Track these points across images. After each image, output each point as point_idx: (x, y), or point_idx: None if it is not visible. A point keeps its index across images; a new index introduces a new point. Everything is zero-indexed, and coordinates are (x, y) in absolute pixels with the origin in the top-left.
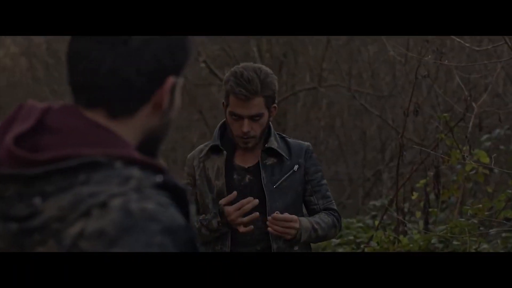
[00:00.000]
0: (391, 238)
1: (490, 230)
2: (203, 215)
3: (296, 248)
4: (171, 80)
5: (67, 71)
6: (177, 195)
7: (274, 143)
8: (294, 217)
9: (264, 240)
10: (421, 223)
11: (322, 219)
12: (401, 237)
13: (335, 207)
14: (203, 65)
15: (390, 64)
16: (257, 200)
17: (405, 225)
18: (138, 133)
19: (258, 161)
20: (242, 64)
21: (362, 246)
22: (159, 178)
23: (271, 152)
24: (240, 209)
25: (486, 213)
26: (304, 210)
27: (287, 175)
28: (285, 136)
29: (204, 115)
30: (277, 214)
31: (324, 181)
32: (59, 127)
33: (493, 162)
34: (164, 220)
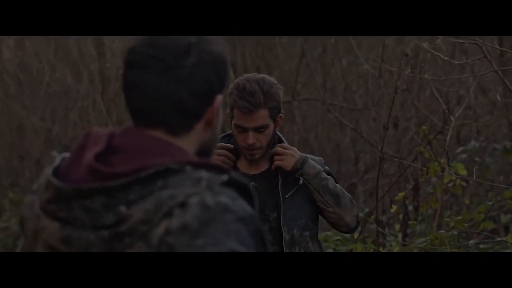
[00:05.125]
0: (371, 250)
1: (469, 242)
2: None
3: (301, 180)
4: (219, 98)
5: (125, 99)
6: (241, 190)
7: None
8: (293, 148)
9: None
10: (400, 235)
11: (338, 185)
12: (380, 249)
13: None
14: None
15: (364, 77)
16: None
17: (385, 238)
18: (195, 146)
19: (266, 169)
20: (245, 76)
21: None
22: (224, 177)
23: None
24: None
25: (466, 224)
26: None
27: (298, 185)
28: None
29: None
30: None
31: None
32: (125, 147)
33: (474, 175)
34: (237, 210)
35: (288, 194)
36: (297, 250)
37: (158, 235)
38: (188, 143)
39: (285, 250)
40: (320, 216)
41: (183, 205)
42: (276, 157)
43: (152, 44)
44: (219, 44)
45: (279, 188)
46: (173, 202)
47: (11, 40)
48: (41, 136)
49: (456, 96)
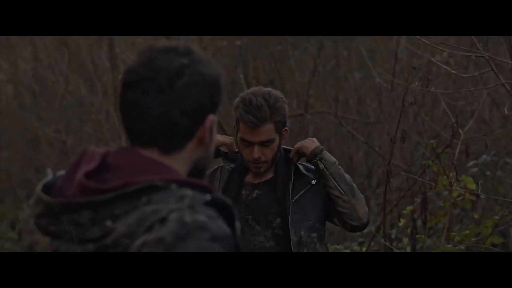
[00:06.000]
0: None
1: None
2: None
3: (321, 164)
4: (210, 118)
5: (121, 118)
6: (223, 210)
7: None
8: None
9: None
10: (409, 249)
11: None
12: None
13: None
14: None
15: (377, 90)
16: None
17: (393, 251)
18: (187, 164)
19: (270, 177)
20: (251, 89)
21: None
22: (208, 197)
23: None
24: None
25: (473, 239)
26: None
27: (305, 189)
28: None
29: None
30: None
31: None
32: (117, 165)
33: (479, 188)
34: (213, 229)
35: (296, 197)
36: (305, 252)
37: (135, 246)
38: (180, 161)
39: (294, 250)
40: (330, 225)
41: (163, 220)
42: (297, 144)
43: (147, 66)
44: (212, 65)
45: (289, 190)
46: (155, 217)
47: (27, 52)
48: (56, 148)
49: (470, 110)
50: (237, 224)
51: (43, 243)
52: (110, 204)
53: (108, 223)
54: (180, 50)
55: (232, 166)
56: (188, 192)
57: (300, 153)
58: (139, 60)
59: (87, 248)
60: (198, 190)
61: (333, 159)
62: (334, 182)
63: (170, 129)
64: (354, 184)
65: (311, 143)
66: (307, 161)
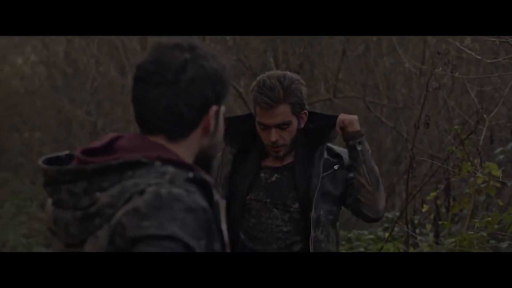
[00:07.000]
0: (401, 250)
1: (501, 243)
2: None
3: (359, 147)
4: (214, 108)
5: (134, 110)
6: (204, 186)
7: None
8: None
9: (281, 239)
10: (431, 235)
11: None
12: (411, 249)
13: None
14: None
15: (406, 76)
16: None
17: (415, 238)
18: (193, 151)
19: (290, 162)
20: (268, 73)
21: None
22: (190, 174)
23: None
24: None
25: (496, 226)
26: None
27: (327, 172)
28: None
29: None
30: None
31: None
32: (123, 146)
33: (501, 175)
34: (187, 201)
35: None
36: (320, 232)
37: (117, 216)
38: (186, 148)
39: (312, 229)
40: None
41: (141, 192)
42: (343, 116)
43: (154, 61)
44: (216, 59)
45: (321, 167)
46: (134, 189)
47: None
48: (86, 129)
49: (500, 96)
50: (219, 201)
51: (49, 211)
52: (100, 177)
53: (97, 194)
54: (184, 46)
55: (234, 151)
56: (170, 169)
57: (343, 127)
58: (148, 56)
59: (75, 215)
60: (181, 168)
61: (368, 147)
62: (365, 169)
63: (175, 119)
64: (380, 177)
65: (357, 123)
66: (346, 139)
